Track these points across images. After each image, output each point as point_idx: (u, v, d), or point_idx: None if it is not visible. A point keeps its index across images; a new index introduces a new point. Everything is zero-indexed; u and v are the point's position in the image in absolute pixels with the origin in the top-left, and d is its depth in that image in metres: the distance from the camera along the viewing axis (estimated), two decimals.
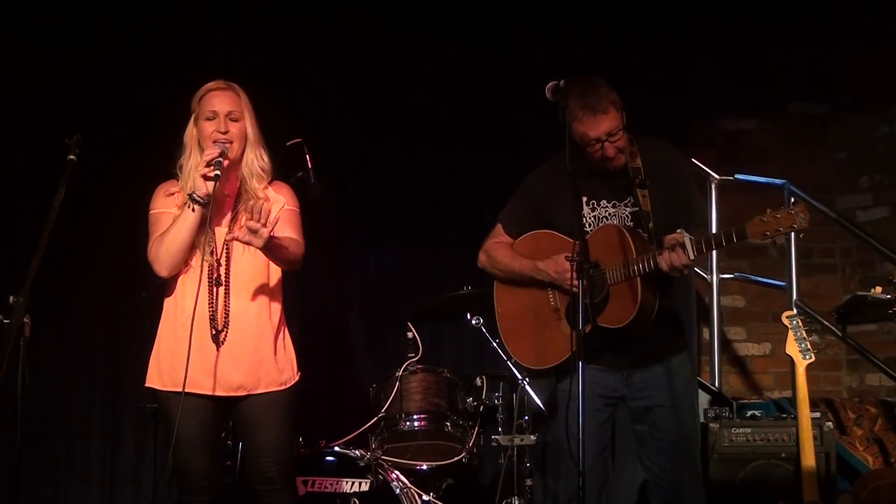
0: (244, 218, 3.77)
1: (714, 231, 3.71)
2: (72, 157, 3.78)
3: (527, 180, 4.22)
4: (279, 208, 3.98)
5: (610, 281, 3.86)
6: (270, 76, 5.77)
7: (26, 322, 3.56)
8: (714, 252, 6.29)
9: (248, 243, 3.71)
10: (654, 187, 3.93)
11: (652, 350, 3.99)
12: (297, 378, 3.99)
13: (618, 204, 4.00)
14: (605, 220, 3.99)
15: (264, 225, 3.64)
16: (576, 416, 3.45)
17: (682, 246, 3.67)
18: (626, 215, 3.98)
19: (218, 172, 3.70)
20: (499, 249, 4.22)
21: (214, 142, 3.81)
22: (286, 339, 4.01)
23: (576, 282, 3.53)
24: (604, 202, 4.01)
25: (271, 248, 3.76)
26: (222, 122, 3.85)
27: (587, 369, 3.91)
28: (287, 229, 3.95)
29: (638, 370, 4.01)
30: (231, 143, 3.84)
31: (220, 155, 3.74)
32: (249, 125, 3.91)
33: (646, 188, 3.92)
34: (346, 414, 5.34)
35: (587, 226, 3.99)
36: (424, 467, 5.09)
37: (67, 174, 3.76)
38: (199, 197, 3.72)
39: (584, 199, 4.01)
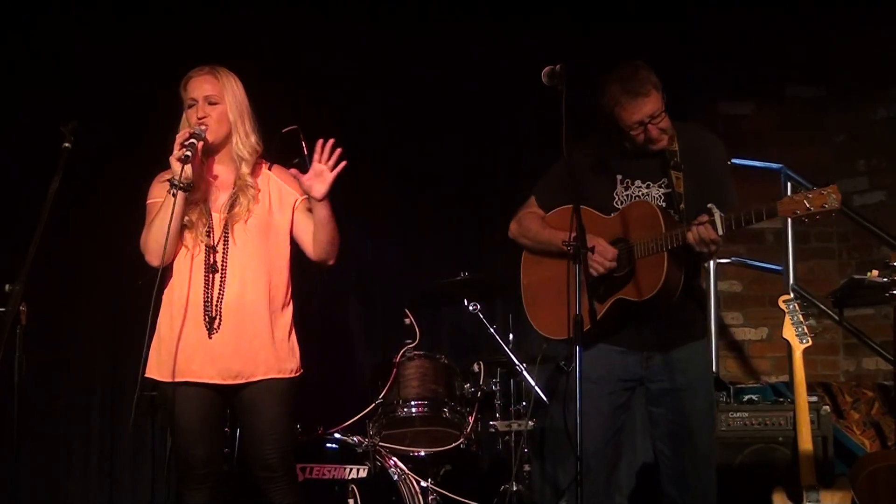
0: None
1: (744, 208, 3.69)
2: (67, 144, 3.78)
3: (563, 155, 4.21)
4: (293, 202, 4.02)
5: (637, 255, 3.86)
6: (269, 63, 5.75)
7: (22, 310, 3.56)
8: None
9: (308, 191, 3.85)
10: (689, 171, 3.94)
11: (673, 334, 3.99)
12: (299, 371, 3.99)
13: (651, 184, 4.01)
14: (637, 199, 4.01)
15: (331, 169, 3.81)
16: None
17: (712, 221, 3.67)
18: (659, 196, 3.99)
19: (188, 154, 3.69)
20: (530, 219, 4.23)
21: (195, 126, 3.82)
22: (289, 329, 3.99)
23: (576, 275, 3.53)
24: (638, 182, 4.02)
25: (328, 211, 3.89)
26: (200, 107, 3.86)
27: (606, 351, 3.99)
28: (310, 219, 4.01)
29: (658, 353, 4.00)
30: (208, 126, 3.83)
31: (194, 137, 3.74)
32: (230, 107, 3.89)
33: (680, 171, 3.94)
34: (343, 401, 5.35)
35: (619, 203, 4.02)
36: (422, 453, 5.09)
37: (63, 162, 3.76)
38: (176, 181, 3.71)
39: (619, 177, 4.03)
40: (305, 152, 4.51)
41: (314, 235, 3.98)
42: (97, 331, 6.10)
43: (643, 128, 3.88)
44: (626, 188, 4.03)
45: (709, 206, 3.72)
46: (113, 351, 6.08)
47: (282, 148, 4.13)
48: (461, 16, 6.41)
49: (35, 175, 4.28)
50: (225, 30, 6.00)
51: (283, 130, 4.34)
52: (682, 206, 3.90)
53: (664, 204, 3.96)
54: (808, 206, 3.56)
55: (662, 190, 3.99)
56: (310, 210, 3.99)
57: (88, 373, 6.08)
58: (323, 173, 3.83)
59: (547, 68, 3.63)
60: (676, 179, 3.93)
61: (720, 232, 3.68)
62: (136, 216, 4.02)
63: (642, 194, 4.01)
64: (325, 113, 5.92)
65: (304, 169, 4.35)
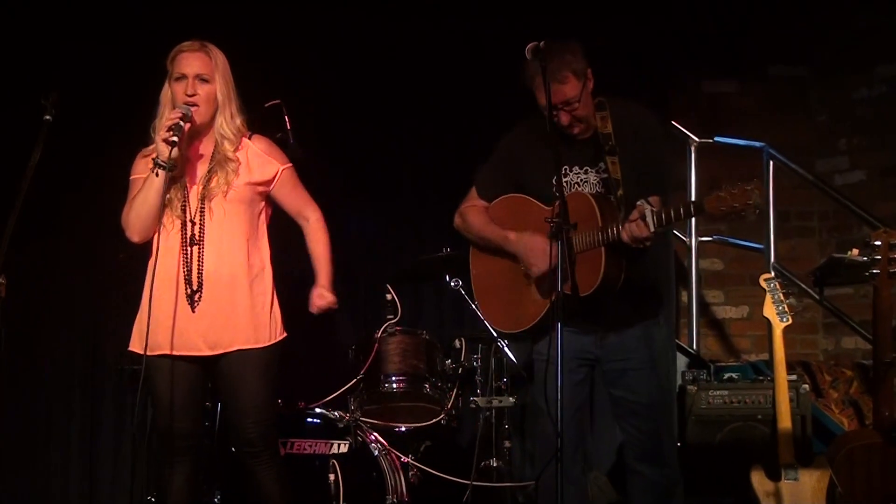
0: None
1: (673, 203, 3.71)
2: (48, 117, 3.76)
3: (501, 142, 4.20)
4: (274, 172, 4.00)
5: (577, 249, 3.79)
6: (253, 39, 5.72)
7: (2, 282, 3.55)
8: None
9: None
10: (624, 154, 3.90)
11: (626, 314, 3.99)
12: (279, 337, 3.98)
13: (589, 170, 3.98)
14: (576, 186, 3.97)
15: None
16: (552, 379, 3.47)
17: (643, 218, 3.66)
18: (598, 181, 3.96)
19: (175, 138, 3.68)
20: (473, 214, 4.22)
21: (183, 104, 3.79)
22: (270, 298, 3.98)
23: (554, 253, 3.53)
24: (576, 168, 3.99)
25: None
26: (190, 84, 3.82)
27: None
28: (296, 194, 4.07)
29: (611, 333, 4.02)
30: (197, 105, 3.81)
31: (182, 118, 3.72)
32: (220, 87, 3.86)
33: (615, 155, 3.90)
34: (325, 376, 5.34)
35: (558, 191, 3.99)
36: (403, 429, 5.11)
37: (44, 134, 3.74)
38: (162, 161, 3.70)
39: None
40: (288, 126, 4.50)
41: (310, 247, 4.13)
42: (77, 304, 6.08)
43: (556, 112, 3.84)
44: (565, 175, 3.98)
45: (638, 203, 3.70)
46: (93, 324, 6.06)
47: (264, 123, 4.12)
48: None
49: (14, 147, 4.25)
50: (211, 5, 5.94)
51: (266, 104, 4.33)
52: (619, 191, 3.87)
53: (602, 190, 3.93)
54: (731, 202, 3.56)
55: (600, 176, 3.96)
56: (291, 190, 4.07)
57: (68, 346, 6.06)
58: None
59: (531, 45, 3.62)
60: (612, 164, 3.90)
61: (652, 229, 3.66)
62: (119, 186, 3.99)
63: (581, 181, 3.98)
64: (307, 90, 5.90)
65: (286, 143, 4.34)
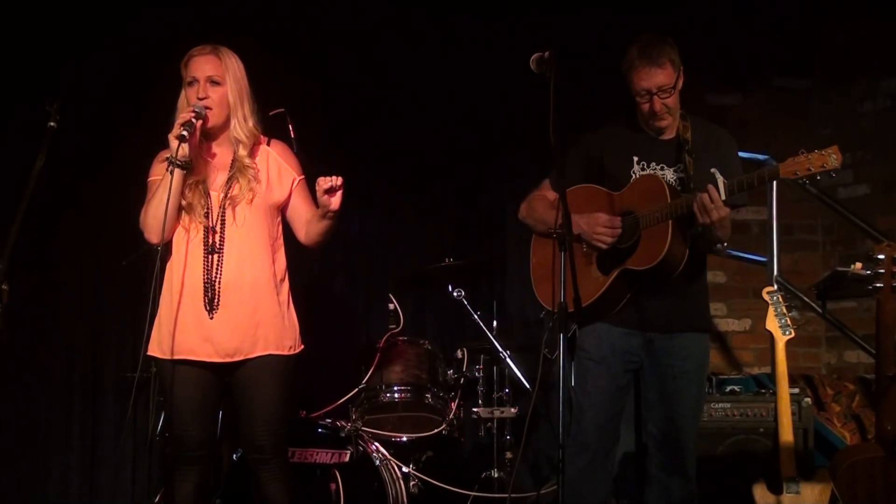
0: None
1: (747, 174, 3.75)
2: (52, 123, 3.77)
3: (583, 136, 4.24)
4: (289, 186, 4.00)
5: (643, 225, 3.89)
6: (259, 44, 5.69)
7: (4, 289, 3.54)
8: None
9: (326, 209, 3.81)
10: (701, 158, 3.96)
11: (677, 318, 4.02)
12: (299, 348, 3.96)
13: (666, 168, 4.03)
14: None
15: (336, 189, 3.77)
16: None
17: (715, 186, 3.69)
18: (674, 180, 4.00)
19: (186, 133, 3.67)
20: (538, 201, 4.25)
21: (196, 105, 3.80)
22: (287, 305, 3.97)
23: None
24: (653, 164, 4.04)
25: (335, 220, 3.89)
26: (202, 87, 3.83)
27: (609, 331, 4.03)
28: (305, 205, 4.01)
29: (661, 335, 4.02)
30: (209, 108, 3.81)
31: (195, 116, 3.72)
32: (231, 90, 3.86)
33: (692, 157, 3.97)
34: (326, 385, 5.34)
35: None
36: (404, 439, 5.10)
37: (48, 141, 3.74)
38: (174, 159, 3.70)
39: (636, 158, 4.06)
40: (293, 135, 4.51)
41: (310, 227, 3.98)
42: (79, 311, 6.08)
43: (649, 97, 3.92)
44: (643, 169, 4.05)
45: (712, 170, 3.75)
46: (93, 329, 6.06)
47: (268, 131, 4.12)
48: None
49: (18, 154, 4.26)
50: (220, 10, 5.94)
51: (270, 113, 4.33)
52: (692, 186, 3.92)
53: (679, 188, 3.97)
54: (808, 166, 3.61)
55: (678, 174, 4.01)
56: (305, 197, 4.01)
57: (69, 353, 6.06)
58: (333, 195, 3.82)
59: (535, 55, 3.62)
60: (689, 164, 3.96)
61: (723, 197, 3.69)
62: (121, 191, 3.99)
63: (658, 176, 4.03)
64: (312, 96, 5.91)
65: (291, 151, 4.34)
